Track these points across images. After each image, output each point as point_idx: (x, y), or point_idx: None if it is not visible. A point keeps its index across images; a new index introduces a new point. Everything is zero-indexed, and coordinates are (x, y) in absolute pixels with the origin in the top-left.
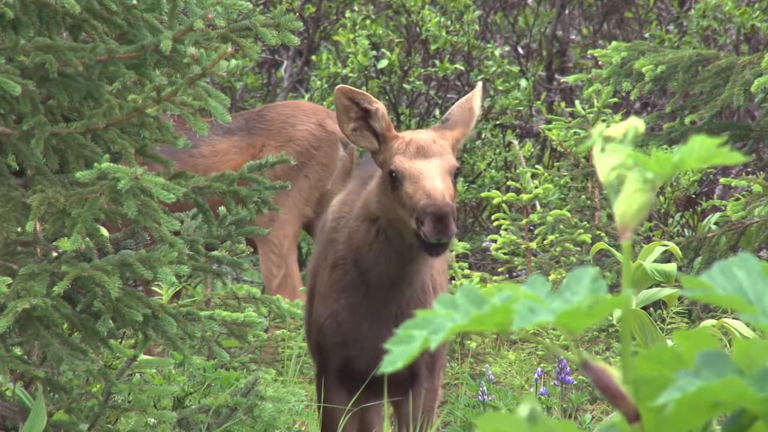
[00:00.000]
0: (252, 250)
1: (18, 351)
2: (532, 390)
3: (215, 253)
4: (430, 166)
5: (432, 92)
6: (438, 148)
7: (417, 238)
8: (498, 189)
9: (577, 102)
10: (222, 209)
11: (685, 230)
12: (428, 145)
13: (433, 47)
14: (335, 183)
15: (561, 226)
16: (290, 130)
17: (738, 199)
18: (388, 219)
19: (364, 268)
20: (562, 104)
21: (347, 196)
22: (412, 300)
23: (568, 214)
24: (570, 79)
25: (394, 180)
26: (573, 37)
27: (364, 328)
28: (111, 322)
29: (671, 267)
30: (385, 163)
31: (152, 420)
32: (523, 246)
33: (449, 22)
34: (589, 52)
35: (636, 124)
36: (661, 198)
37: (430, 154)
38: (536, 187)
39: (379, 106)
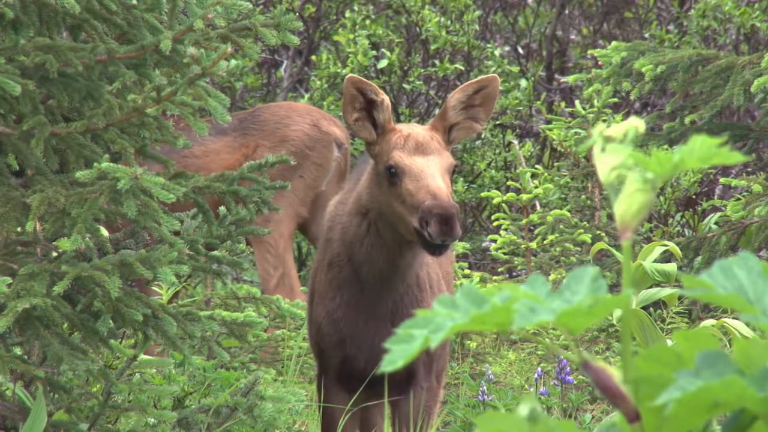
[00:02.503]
0: (251, 249)
1: (18, 351)
2: (532, 390)
3: (215, 252)
4: (430, 164)
5: (432, 92)
6: (436, 145)
7: (419, 236)
8: (498, 189)
9: (577, 102)
10: (222, 209)
11: (685, 230)
12: (427, 142)
13: (433, 47)
14: (330, 184)
15: (561, 226)
16: (284, 130)
17: (738, 199)
18: (381, 212)
19: (357, 263)
20: (562, 104)
21: (344, 195)
22: (407, 296)
23: (568, 214)
24: (570, 79)
25: (392, 175)
26: (573, 37)
27: (360, 326)
28: (111, 322)
29: (671, 267)
30: (381, 156)
31: (152, 420)
32: (523, 246)
33: (449, 22)
34: (589, 52)
35: (636, 124)
36: (661, 198)
37: (429, 151)
38: (536, 187)
39: (385, 97)
